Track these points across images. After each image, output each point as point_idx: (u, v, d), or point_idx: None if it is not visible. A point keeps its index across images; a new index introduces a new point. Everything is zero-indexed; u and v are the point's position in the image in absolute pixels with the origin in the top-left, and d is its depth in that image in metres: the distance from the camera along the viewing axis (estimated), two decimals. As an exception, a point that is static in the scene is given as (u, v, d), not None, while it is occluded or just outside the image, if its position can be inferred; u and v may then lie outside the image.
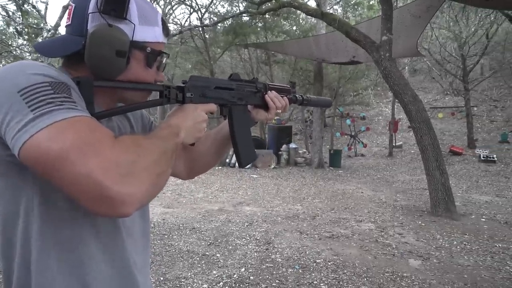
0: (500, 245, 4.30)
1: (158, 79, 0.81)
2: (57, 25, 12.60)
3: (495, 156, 11.18)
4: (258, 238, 4.53)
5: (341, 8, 16.60)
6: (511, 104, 15.37)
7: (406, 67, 17.89)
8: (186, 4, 12.96)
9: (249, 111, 1.04)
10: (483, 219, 5.47)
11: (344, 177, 9.77)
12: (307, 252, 4.01)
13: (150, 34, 0.77)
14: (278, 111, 1.07)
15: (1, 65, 18.39)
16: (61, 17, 12.36)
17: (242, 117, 0.99)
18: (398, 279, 3.34)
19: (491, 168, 10.28)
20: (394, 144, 13.46)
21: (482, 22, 13.09)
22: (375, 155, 13.56)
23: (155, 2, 13.73)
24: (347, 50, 9.46)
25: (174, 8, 15.73)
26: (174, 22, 16.51)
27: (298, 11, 11.52)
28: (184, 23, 14.99)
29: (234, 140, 0.98)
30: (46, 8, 13.17)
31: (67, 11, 0.75)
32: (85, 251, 0.70)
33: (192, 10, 12.86)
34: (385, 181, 9.21)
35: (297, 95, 1.16)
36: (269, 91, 1.05)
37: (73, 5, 0.74)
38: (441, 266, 3.66)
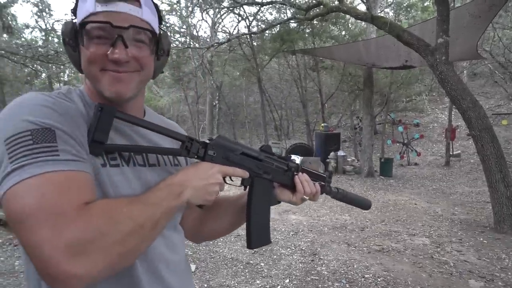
0: None
1: (112, 57, 0.66)
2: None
3: None
4: (303, 248, 4.41)
5: (392, 11, 16.03)
6: None
7: (465, 71, 16.78)
8: (234, 13, 13.19)
9: (273, 187, 0.93)
10: (557, 238, 4.90)
11: (396, 187, 9.31)
12: (355, 266, 3.82)
13: (83, 10, 0.68)
14: (305, 197, 0.96)
15: (66, 75, 19.95)
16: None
17: (264, 192, 0.89)
18: (456, 301, 3.07)
19: None
20: (451, 153, 12.63)
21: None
22: (430, 164, 12.82)
23: (205, 12, 14.17)
24: (399, 54, 9.06)
25: (223, 17, 16.11)
26: (223, 31, 16.91)
27: (347, 16, 11.26)
28: (233, 31, 15.28)
29: (249, 216, 0.87)
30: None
31: None
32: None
33: (240, 18, 13.07)
34: (442, 192, 8.63)
35: (330, 186, 1.04)
36: (301, 173, 0.95)
37: None
38: (507, 289, 3.32)
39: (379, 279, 3.49)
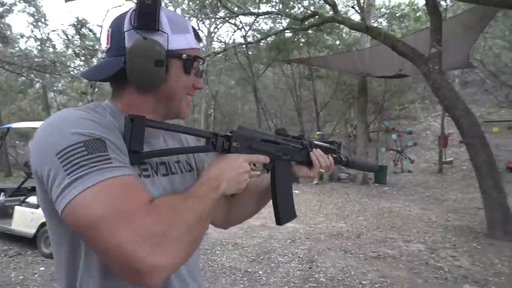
0: None
1: (197, 86, 0.83)
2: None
3: (560, 174, 10.27)
4: (301, 256, 4.46)
5: (386, 21, 16.29)
6: None
7: (457, 79, 17.05)
8: (230, 23, 13.33)
9: (291, 166, 1.01)
10: (548, 244, 5.00)
11: (390, 194, 9.42)
12: (352, 273, 3.88)
13: (183, 41, 0.78)
14: (321, 170, 1.04)
15: (60, 84, 19.89)
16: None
17: (285, 172, 0.96)
18: (451, 305, 3.13)
19: (556, 187, 9.44)
20: (444, 160, 12.79)
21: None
22: (423, 172, 12.96)
23: (201, 22, 14.30)
24: (393, 63, 9.22)
25: (219, 27, 16.26)
26: (218, 40, 17.02)
27: (342, 26, 11.45)
28: (228, 41, 15.44)
29: (274, 196, 0.94)
30: (101, 31, 14.17)
31: (106, 37, 0.79)
32: None
33: (236, 28, 13.22)
34: (435, 199, 8.75)
35: (342, 156, 1.13)
36: (315, 149, 1.03)
37: (110, 29, 0.78)
38: (501, 293, 3.39)
39: (376, 285, 3.55)
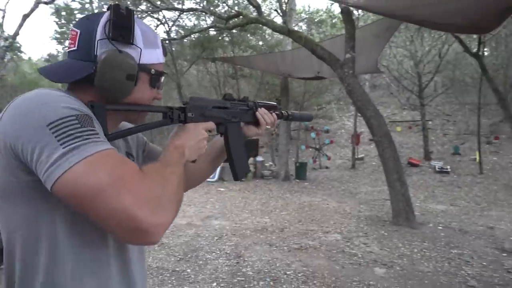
0: (455, 251, 4.58)
1: (158, 97, 0.87)
2: (16, 34, 12.11)
3: (448, 167, 11.89)
4: (228, 252, 4.55)
5: (305, 25, 17.17)
6: (462, 119, 16.42)
7: (367, 83, 18.69)
8: (152, 17, 12.86)
9: (241, 127, 1.11)
10: (440, 227, 5.80)
11: (310, 189, 9.99)
12: (277, 265, 4.08)
13: (153, 56, 0.82)
14: (268, 126, 1.15)
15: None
16: (20, 26, 11.91)
17: (236, 133, 1.05)
18: (365, 287, 3.48)
19: (445, 179, 10.91)
20: (356, 157, 13.95)
21: (435, 43, 14.03)
22: (338, 167, 13.98)
23: (121, 14, 13.53)
24: (312, 66, 9.78)
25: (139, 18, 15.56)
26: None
27: (265, 27, 11.80)
28: (150, 35, 14.81)
29: (230, 155, 1.04)
30: (3, 16, 12.66)
31: (70, 36, 0.77)
32: (107, 273, 0.75)
33: (159, 22, 12.82)
34: (349, 192, 9.51)
35: (283, 111, 1.25)
36: (259, 109, 1.12)
37: (78, 31, 0.76)
38: (404, 273, 3.86)
39: (299, 275, 3.79)
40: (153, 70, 0.82)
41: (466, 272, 3.91)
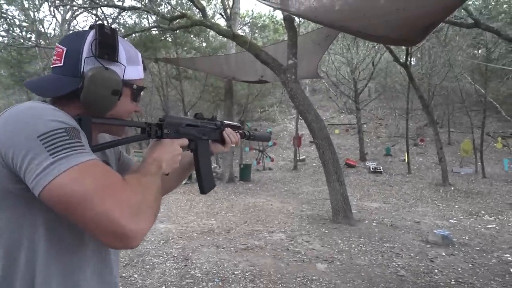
0: (387, 245, 5.01)
1: (138, 110, 0.94)
2: None
3: (381, 167, 12.82)
4: (175, 255, 4.53)
5: (249, 29, 17.42)
6: (393, 123, 17.79)
7: (307, 87, 19.48)
8: (90, 12, 12.25)
9: (209, 145, 1.18)
10: (374, 223, 6.28)
11: (254, 190, 10.19)
12: (225, 265, 4.15)
13: (135, 72, 0.89)
14: (232, 145, 1.24)
15: None
16: None
17: (205, 150, 1.12)
18: (308, 282, 3.69)
19: (378, 178, 11.76)
20: (298, 158, 14.47)
21: (369, 52, 15.05)
22: (281, 169, 14.40)
23: (55, 8, 12.71)
24: (256, 70, 10.01)
25: (75, 15, 14.72)
26: (76, 30, 15.38)
27: (209, 29, 11.79)
28: (87, 32, 14.04)
29: (198, 171, 1.10)
30: None
31: (56, 53, 0.81)
32: (82, 276, 0.78)
33: (97, 19, 12.22)
34: (292, 193, 9.87)
35: (245, 131, 1.35)
36: (226, 128, 1.21)
37: (64, 48, 0.80)
38: (343, 267, 4.14)
39: (247, 274, 3.90)
40: (135, 86, 0.89)
41: (396, 263, 4.30)
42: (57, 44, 0.83)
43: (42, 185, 0.64)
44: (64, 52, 0.80)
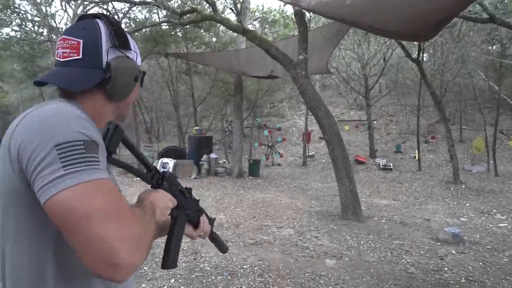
0: (397, 242, 4.98)
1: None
2: None
3: (391, 164, 12.71)
4: (185, 248, 4.57)
5: (259, 24, 17.37)
6: (403, 119, 17.59)
7: (317, 83, 19.36)
8: (101, 7, 12.31)
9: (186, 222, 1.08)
10: (383, 220, 6.25)
11: (263, 186, 10.20)
12: (234, 259, 4.18)
13: (139, 59, 0.94)
14: (201, 233, 1.13)
15: None
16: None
17: (182, 224, 1.03)
18: (317, 278, 3.69)
19: (388, 175, 11.67)
20: (307, 154, 14.43)
21: (380, 47, 14.89)
22: (290, 165, 14.37)
23: (66, 3, 12.83)
24: (266, 65, 9.98)
25: (87, 10, 14.81)
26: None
27: (219, 24, 11.79)
28: (99, 27, 14.14)
29: (169, 242, 0.99)
30: None
31: (69, 45, 0.81)
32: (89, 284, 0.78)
33: (108, 13, 12.26)
34: (301, 188, 9.85)
35: (213, 231, 1.25)
36: (204, 215, 1.13)
37: (80, 40, 0.81)
38: (352, 263, 4.14)
39: (255, 268, 3.92)
40: (142, 71, 0.93)
41: (406, 260, 4.28)
42: (65, 36, 0.83)
43: (46, 196, 0.63)
44: (82, 44, 0.81)
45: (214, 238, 1.28)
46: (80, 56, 0.81)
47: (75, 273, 0.74)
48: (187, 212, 1.03)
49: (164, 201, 0.88)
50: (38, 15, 12.80)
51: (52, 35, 12.30)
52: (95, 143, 0.70)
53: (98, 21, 0.84)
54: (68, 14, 14.24)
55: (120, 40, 0.83)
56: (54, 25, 13.63)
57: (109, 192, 0.67)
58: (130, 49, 0.87)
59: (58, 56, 0.83)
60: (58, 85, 0.81)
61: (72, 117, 0.70)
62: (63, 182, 0.63)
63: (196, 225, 1.09)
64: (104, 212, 0.63)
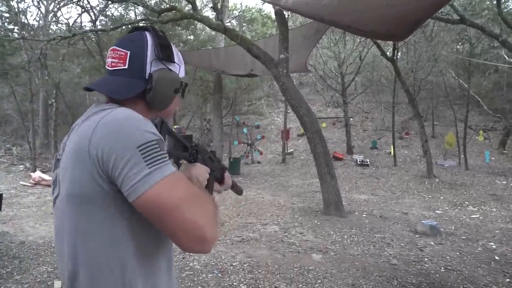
0: (378, 236, 5.17)
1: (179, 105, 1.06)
2: None
3: (368, 160, 13.06)
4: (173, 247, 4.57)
5: (237, 22, 17.36)
6: (378, 116, 18.06)
7: (295, 80, 19.53)
8: (76, 3, 12.01)
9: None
10: (364, 215, 6.45)
11: (244, 183, 10.25)
12: (223, 257, 4.23)
13: (182, 71, 0.99)
14: (226, 188, 1.29)
15: None
16: None
17: (212, 185, 1.17)
18: (305, 272, 3.80)
19: (365, 171, 11.98)
20: (286, 151, 14.59)
21: (356, 46, 15.22)
22: (270, 162, 14.50)
23: (40, 1, 12.39)
24: (246, 63, 10.03)
25: (60, 6, 14.38)
26: (61, 21, 15.05)
27: (196, 22, 11.71)
28: (73, 23, 13.82)
29: None
30: None
31: (117, 56, 0.87)
32: (160, 274, 0.87)
33: (83, 10, 11.98)
34: (282, 186, 9.98)
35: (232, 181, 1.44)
36: (226, 171, 1.28)
37: (127, 52, 0.87)
38: (338, 257, 4.27)
39: (245, 265, 3.98)
40: (183, 83, 0.98)
41: (388, 253, 4.46)
42: (115, 47, 0.89)
43: (138, 192, 0.71)
44: (128, 55, 0.87)
45: (233, 186, 1.45)
46: (126, 66, 0.87)
47: (149, 255, 0.84)
48: (215, 174, 1.18)
49: (203, 173, 1.00)
50: (9, 12, 12.32)
51: (23, 32, 11.87)
52: (162, 140, 0.78)
53: (147, 33, 0.90)
54: (40, 11, 13.77)
55: (164, 52, 0.89)
56: (26, 21, 13.15)
57: (184, 181, 0.78)
58: (174, 62, 0.92)
59: (108, 65, 0.90)
60: (103, 93, 0.87)
61: (140, 120, 0.77)
62: (151, 179, 0.72)
63: (221, 181, 1.24)
64: (188, 199, 0.75)
